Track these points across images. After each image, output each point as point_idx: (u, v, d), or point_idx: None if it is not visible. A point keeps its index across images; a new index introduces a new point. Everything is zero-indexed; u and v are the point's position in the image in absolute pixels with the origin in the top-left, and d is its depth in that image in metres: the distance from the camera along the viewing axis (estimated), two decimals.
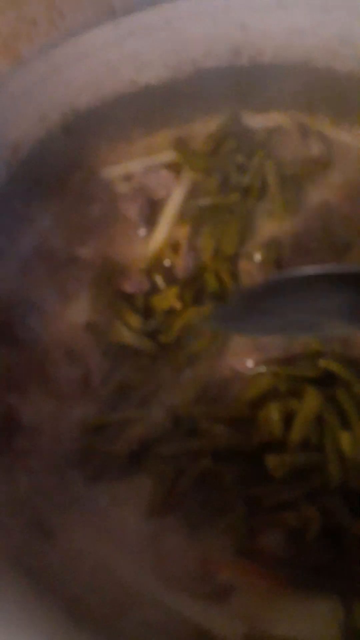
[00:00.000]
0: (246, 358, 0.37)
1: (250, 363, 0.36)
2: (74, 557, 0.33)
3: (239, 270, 0.40)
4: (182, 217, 0.41)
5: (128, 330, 0.38)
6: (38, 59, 0.35)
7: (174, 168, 0.42)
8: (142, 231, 0.42)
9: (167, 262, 0.41)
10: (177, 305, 0.39)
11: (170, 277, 0.40)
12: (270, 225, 0.41)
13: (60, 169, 0.41)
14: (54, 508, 0.35)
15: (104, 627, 0.30)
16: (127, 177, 0.43)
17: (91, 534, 0.34)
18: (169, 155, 0.42)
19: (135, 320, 0.38)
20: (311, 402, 0.34)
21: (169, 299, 0.39)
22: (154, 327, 0.38)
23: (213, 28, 0.36)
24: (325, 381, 0.35)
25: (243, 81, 0.39)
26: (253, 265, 0.40)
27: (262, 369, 0.36)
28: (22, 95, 0.35)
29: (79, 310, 0.40)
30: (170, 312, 0.39)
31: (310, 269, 0.28)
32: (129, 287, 0.40)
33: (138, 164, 0.43)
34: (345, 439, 0.33)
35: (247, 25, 0.36)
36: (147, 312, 0.39)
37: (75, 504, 0.35)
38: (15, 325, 0.40)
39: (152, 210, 0.41)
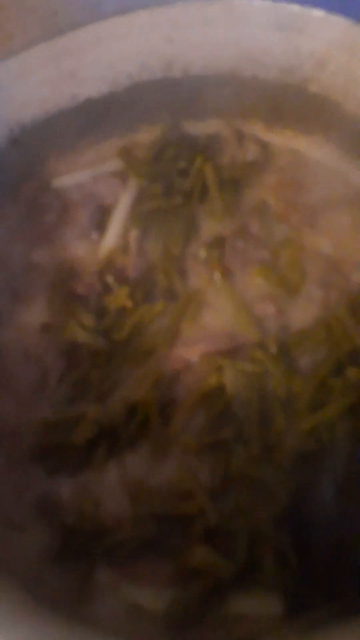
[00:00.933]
0: (195, 348, 0.39)
1: (198, 353, 0.39)
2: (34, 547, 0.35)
3: (186, 269, 0.42)
4: (130, 221, 0.43)
5: (82, 330, 0.40)
6: None
7: (121, 175, 0.44)
8: (93, 235, 0.44)
9: (118, 264, 0.43)
10: (129, 304, 0.41)
11: (121, 278, 0.42)
12: (213, 225, 0.43)
13: (11, 181, 0.43)
14: (20, 502, 0.37)
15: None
16: (77, 186, 0.45)
17: None
18: (115, 164, 0.45)
19: (88, 319, 0.40)
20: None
21: (120, 298, 0.41)
22: (107, 326, 0.40)
23: (144, 43, 0.39)
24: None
25: (178, 91, 0.42)
26: (199, 263, 0.43)
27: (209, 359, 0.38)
28: None
29: (35, 314, 0.41)
30: (123, 311, 0.41)
31: None
32: (82, 289, 0.42)
33: (86, 173, 0.45)
34: None
35: (174, 39, 0.39)
36: (100, 312, 0.41)
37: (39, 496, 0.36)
38: None
39: (102, 215, 0.43)
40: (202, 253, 0.42)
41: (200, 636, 0.31)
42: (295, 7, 0.37)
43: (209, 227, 0.43)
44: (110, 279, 0.42)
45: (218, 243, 0.42)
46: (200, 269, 0.42)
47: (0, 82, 0.37)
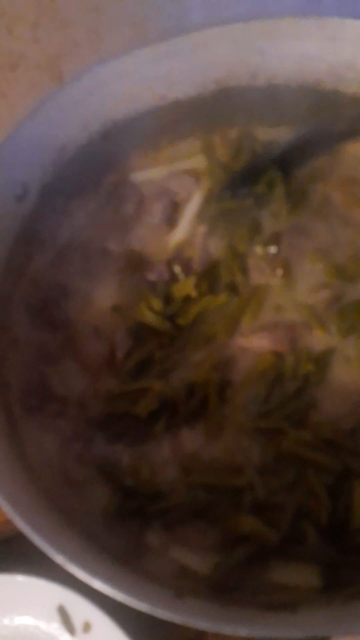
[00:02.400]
0: (253, 338, 0.42)
1: (256, 342, 0.41)
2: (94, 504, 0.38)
3: (248, 265, 0.45)
4: (199, 217, 0.46)
5: (150, 312, 0.43)
6: (84, 75, 0.41)
7: (194, 174, 0.47)
8: (165, 228, 0.47)
9: (185, 256, 0.46)
10: (194, 293, 0.44)
11: (188, 269, 0.45)
12: (275, 224, 0.45)
13: (96, 172, 0.46)
14: (80, 463, 0.40)
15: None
16: (154, 181, 0.48)
17: None
18: (190, 163, 0.48)
19: (157, 303, 0.43)
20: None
21: (187, 287, 0.44)
22: (173, 311, 0.43)
23: (235, 52, 0.42)
24: None
25: (259, 99, 0.45)
26: (261, 260, 0.45)
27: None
28: (69, 106, 0.41)
29: (106, 296, 0.44)
30: (188, 300, 0.44)
31: None
32: (152, 276, 0.45)
33: (164, 169, 0.48)
34: None
35: (265, 50, 0.42)
36: (167, 299, 0.44)
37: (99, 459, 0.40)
38: (51, 307, 0.45)
39: (173, 210, 0.46)
40: (260, 251, 0.45)
41: (241, 599, 0.34)
42: None
43: (272, 226, 0.45)
44: (177, 269, 0.45)
45: (276, 239, 0.45)
46: (262, 266, 0.45)
47: (102, 80, 0.41)
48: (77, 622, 0.41)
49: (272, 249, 0.44)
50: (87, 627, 0.41)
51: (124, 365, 0.42)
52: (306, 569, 0.34)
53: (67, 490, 0.38)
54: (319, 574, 0.34)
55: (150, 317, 0.43)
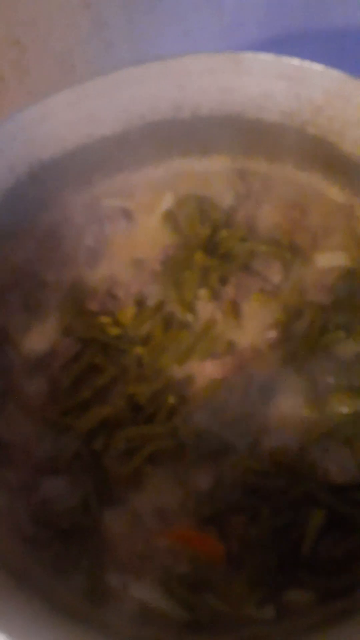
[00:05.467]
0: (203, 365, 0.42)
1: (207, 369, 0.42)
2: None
3: (196, 306, 0.44)
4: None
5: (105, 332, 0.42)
6: (7, 121, 0.40)
7: (126, 211, 0.47)
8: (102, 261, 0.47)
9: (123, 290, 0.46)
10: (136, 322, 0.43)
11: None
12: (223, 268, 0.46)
13: (30, 212, 0.46)
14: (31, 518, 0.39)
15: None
16: (89, 214, 0.48)
17: None
18: (120, 201, 0.48)
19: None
20: None
21: (129, 315, 0.43)
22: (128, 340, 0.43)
23: (156, 89, 0.42)
24: None
25: (186, 131, 0.45)
26: (208, 302, 0.45)
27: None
28: None
29: (48, 329, 0.44)
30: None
31: None
32: (93, 305, 0.45)
33: (100, 204, 0.48)
34: None
35: (185, 86, 0.42)
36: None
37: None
38: None
39: (105, 244, 0.46)
40: (207, 294, 0.44)
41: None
42: (296, 60, 0.40)
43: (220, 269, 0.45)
44: (121, 294, 0.45)
45: (224, 280, 0.45)
46: (211, 307, 0.44)
47: (24, 125, 0.40)
48: None
49: (220, 290, 0.44)
50: None
51: (65, 379, 0.42)
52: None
53: (21, 547, 0.37)
54: (274, 608, 0.34)
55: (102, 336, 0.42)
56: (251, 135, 0.45)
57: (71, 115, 0.42)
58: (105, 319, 0.43)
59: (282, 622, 0.34)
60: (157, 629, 0.34)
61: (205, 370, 0.43)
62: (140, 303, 0.44)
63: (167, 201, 0.47)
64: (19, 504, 0.39)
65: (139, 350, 0.42)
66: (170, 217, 0.46)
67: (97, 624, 0.33)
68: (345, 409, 0.40)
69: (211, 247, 0.45)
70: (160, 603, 0.35)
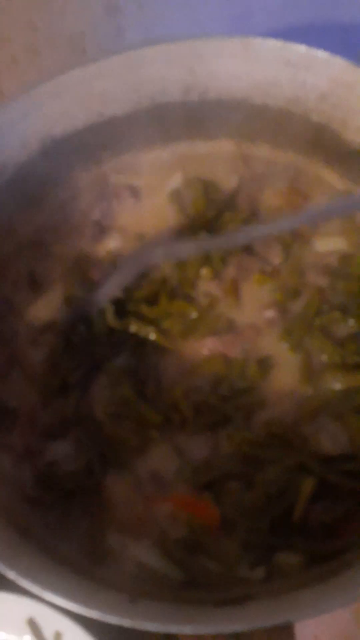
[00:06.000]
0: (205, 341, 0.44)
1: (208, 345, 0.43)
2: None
3: (197, 285, 0.46)
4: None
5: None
6: (21, 96, 0.42)
7: (133, 188, 0.49)
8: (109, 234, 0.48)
9: None
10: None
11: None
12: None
13: (40, 187, 0.47)
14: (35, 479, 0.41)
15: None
16: (97, 190, 0.49)
17: None
18: (131, 178, 0.49)
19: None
20: None
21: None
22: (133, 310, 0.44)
23: (167, 71, 0.44)
24: None
25: (194, 113, 0.47)
26: (209, 281, 0.46)
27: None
28: (6, 127, 0.42)
29: (52, 300, 0.45)
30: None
31: None
32: (96, 275, 0.46)
33: (107, 181, 0.49)
34: None
35: (195, 69, 0.44)
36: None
37: None
38: None
39: (111, 218, 0.47)
40: (208, 273, 0.46)
41: (195, 597, 0.35)
42: (303, 47, 0.42)
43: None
44: None
45: (224, 261, 0.46)
46: (211, 286, 0.46)
47: (37, 101, 0.42)
48: (48, 633, 0.42)
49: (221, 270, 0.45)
50: (58, 636, 0.41)
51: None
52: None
53: (25, 506, 0.39)
54: (264, 569, 0.36)
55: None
56: (256, 120, 0.47)
57: (83, 93, 0.43)
58: None
59: (272, 582, 0.36)
60: (154, 586, 0.36)
61: (205, 346, 0.44)
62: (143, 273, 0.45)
63: (175, 181, 0.48)
64: (23, 467, 0.41)
65: (141, 307, 0.43)
66: (176, 197, 0.48)
67: (97, 579, 0.35)
68: (338, 385, 0.42)
69: (214, 228, 0.47)
70: (157, 563, 0.37)
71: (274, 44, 0.42)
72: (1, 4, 0.57)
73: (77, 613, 0.30)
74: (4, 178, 0.43)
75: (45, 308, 0.45)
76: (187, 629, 0.29)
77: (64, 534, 0.38)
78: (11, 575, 0.30)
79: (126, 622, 0.29)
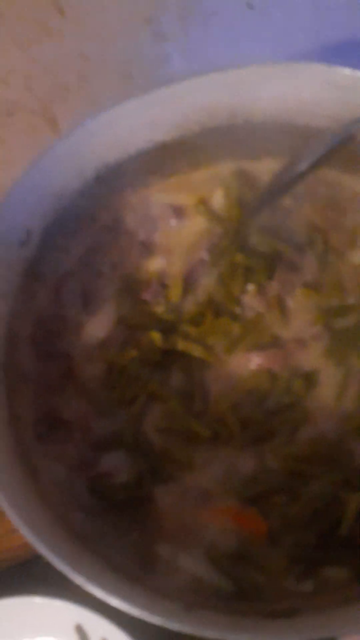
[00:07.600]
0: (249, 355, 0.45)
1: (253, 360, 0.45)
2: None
3: (243, 301, 0.47)
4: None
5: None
6: (76, 128, 0.44)
7: (179, 209, 0.50)
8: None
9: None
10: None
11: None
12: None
13: (92, 209, 0.50)
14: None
15: None
16: (143, 211, 0.51)
17: None
18: (177, 198, 0.51)
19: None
20: None
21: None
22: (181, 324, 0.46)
23: (213, 98, 0.46)
24: None
25: (239, 136, 0.48)
26: (254, 297, 0.47)
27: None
28: (65, 157, 0.44)
29: (104, 320, 0.47)
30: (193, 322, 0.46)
31: None
32: (147, 295, 0.48)
33: (152, 202, 0.51)
34: None
35: (241, 95, 0.45)
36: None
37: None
38: (54, 340, 0.47)
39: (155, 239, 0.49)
40: (253, 289, 0.47)
41: (245, 608, 0.36)
42: (348, 70, 0.43)
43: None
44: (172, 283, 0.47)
45: (269, 275, 0.47)
46: (256, 302, 0.47)
47: (94, 131, 0.44)
48: (95, 639, 0.43)
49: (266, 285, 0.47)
50: None
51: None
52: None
53: (80, 515, 0.41)
54: (312, 582, 0.36)
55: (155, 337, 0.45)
56: (299, 139, 0.48)
57: (135, 122, 0.45)
58: (158, 308, 0.47)
59: (319, 595, 0.36)
60: (205, 596, 0.37)
61: (251, 361, 0.45)
62: (189, 285, 0.47)
63: (217, 200, 0.49)
64: (78, 477, 0.43)
65: (187, 328, 0.45)
66: (214, 212, 0.49)
67: (150, 588, 0.36)
68: None
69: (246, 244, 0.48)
70: (207, 574, 0.38)
71: (318, 68, 0.43)
72: (54, 37, 0.60)
73: (122, 619, 0.32)
74: (63, 204, 0.46)
75: (100, 326, 0.47)
76: (243, 638, 0.30)
77: (116, 542, 0.40)
78: (79, 580, 0.32)
79: (186, 629, 0.31)
